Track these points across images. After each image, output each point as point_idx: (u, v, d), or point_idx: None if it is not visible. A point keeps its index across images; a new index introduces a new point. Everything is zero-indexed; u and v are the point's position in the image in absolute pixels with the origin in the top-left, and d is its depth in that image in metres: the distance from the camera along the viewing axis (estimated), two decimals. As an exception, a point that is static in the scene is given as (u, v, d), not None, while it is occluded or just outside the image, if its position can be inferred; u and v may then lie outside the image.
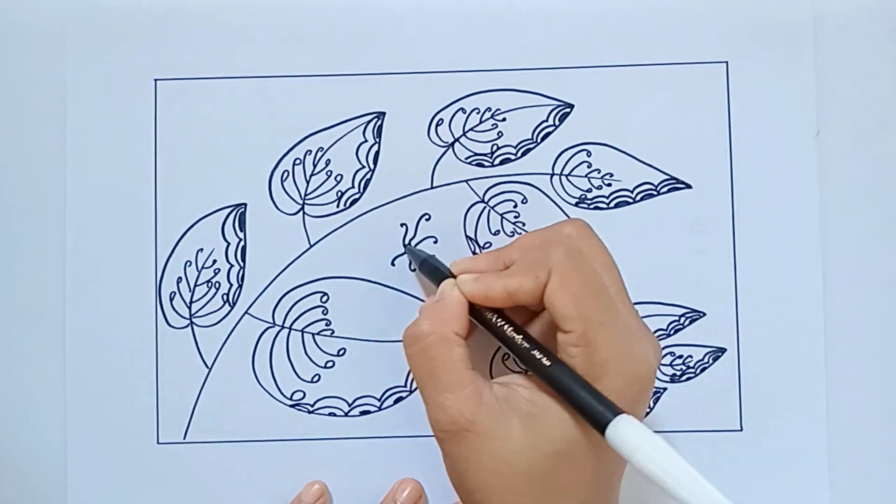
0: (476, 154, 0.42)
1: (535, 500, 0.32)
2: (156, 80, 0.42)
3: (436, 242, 0.42)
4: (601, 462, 0.32)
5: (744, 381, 0.41)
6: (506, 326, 0.34)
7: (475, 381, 0.33)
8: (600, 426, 0.30)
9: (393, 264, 0.41)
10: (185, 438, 0.41)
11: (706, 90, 0.41)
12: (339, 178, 0.42)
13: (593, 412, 0.31)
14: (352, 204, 0.42)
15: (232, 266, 0.41)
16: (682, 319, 0.41)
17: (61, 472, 0.41)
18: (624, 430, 0.30)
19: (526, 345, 0.33)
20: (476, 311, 0.35)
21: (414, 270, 0.41)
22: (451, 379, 0.33)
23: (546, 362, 0.32)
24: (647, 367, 0.33)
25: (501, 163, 0.42)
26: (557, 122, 0.42)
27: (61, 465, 0.41)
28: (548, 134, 0.42)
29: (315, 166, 0.42)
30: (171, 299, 0.41)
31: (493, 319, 0.34)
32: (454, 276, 0.36)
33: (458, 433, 0.32)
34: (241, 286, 0.41)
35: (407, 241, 0.41)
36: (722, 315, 0.41)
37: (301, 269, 0.41)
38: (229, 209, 0.42)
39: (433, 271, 0.38)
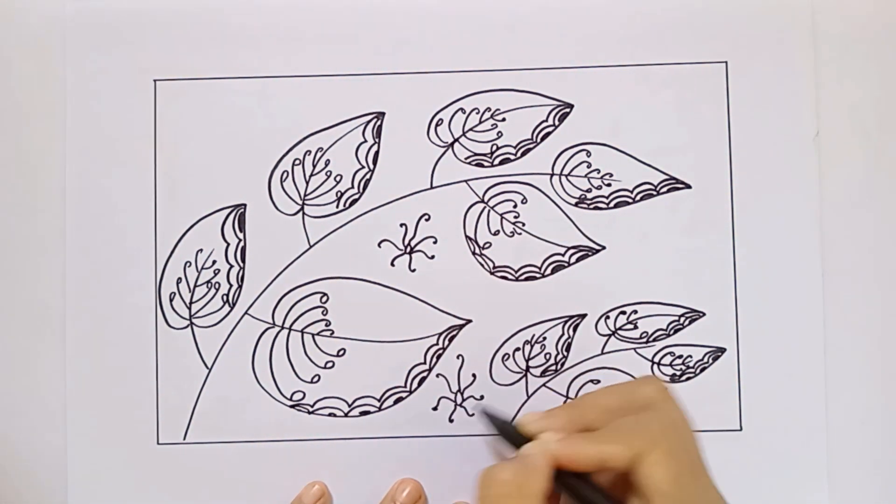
0: (476, 154, 0.42)
1: None
2: (155, 80, 0.42)
3: (435, 243, 0.42)
4: None
5: (744, 381, 0.41)
6: (596, 494, 0.33)
7: None
8: None
9: (393, 264, 0.41)
10: (185, 439, 0.41)
11: (706, 90, 0.41)
12: (338, 179, 0.42)
13: None
14: (351, 204, 0.42)
15: (232, 266, 0.41)
16: (682, 319, 0.41)
17: (62, 473, 0.41)
18: None
19: None
20: (562, 476, 0.33)
21: (472, 415, 0.41)
22: None
23: None
24: None
25: (501, 163, 0.42)
26: (557, 122, 0.42)
27: (62, 466, 0.41)
28: (547, 134, 0.42)
29: (315, 167, 0.42)
30: (171, 300, 0.41)
31: (581, 486, 0.33)
32: (529, 440, 0.34)
33: None
34: (240, 287, 0.41)
35: (484, 409, 0.39)
36: (722, 315, 0.41)
37: (301, 269, 0.41)
38: (229, 209, 0.42)
39: (512, 439, 0.36)
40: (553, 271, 0.41)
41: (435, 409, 0.41)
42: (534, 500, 0.32)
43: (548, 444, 0.33)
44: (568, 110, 0.42)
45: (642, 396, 0.33)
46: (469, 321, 0.41)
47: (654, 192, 0.41)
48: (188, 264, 0.41)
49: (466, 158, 0.42)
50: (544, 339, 0.41)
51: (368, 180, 0.42)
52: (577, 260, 0.41)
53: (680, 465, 0.31)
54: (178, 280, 0.41)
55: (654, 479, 0.31)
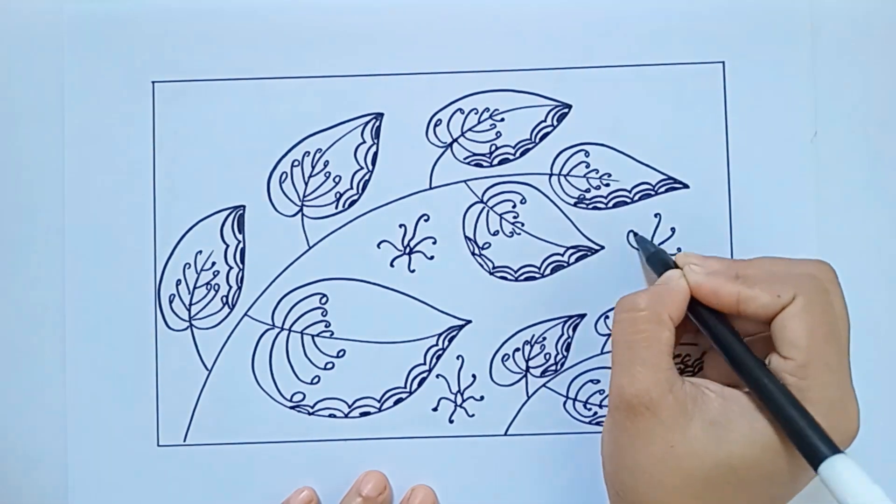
0: (474, 154, 0.42)
1: (684, 503, 0.32)
2: (153, 82, 0.42)
3: (434, 243, 0.42)
4: (773, 489, 0.32)
5: (742, 379, 0.41)
6: (726, 330, 0.33)
7: (671, 370, 0.33)
8: (815, 460, 0.30)
9: (392, 265, 0.42)
10: (185, 441, 0.41)
11: (703, 90, 0.42)
12: (337, 180, 0.42)
13: (811, 443, 0.30)
14: (350, 205, 0.42)
15: (231, 268, 0.41)
16: (681, 319, 0.42)
17: (62, 475, 0.41)
18: (842, 470, 0.29)
19: (747, 355, 0.33)
20: (697, 310, 0.34)
21: (636, 248, 0.41)
22: (650, 356, 0.33)
23: (766, 378, 0.32)
24: (849, 430, 0.32)
25: (500, 163, 0.42)
26: (555, 123, 0.42)
27: (62, 468, 0.41)
28: (546, 134, 0.42)
29: (314, 168, 0.42)
30: (171, 302, 0.41)
31: (713, 321, 0.34)
32: (679, 268, 0.36)
33: (637, 409, 0.32)
34: (240, 288, 0.41)
35: (636, 233, 0.41)
36: (720, 314, 0.41)
37: (300, 270, 0.41)
38: (228, 211, 0.42)
39: (660, 264, 0.37)
40: (552, 271, 0.41)
41: (435, 409, 0.41)
42: (665, 326, 0.33)
43: (690, 274, 0.34)
44: (566, 110, 0.42)
45: (808, 268, 0.34)
46: (469, 321, 0.41)
47: (653, 192, 0.42)
48: (187, 266, 0.41)
49: (465, 159, 0.42)
50: (544, 339, 0.41)
51: (367, 181, 0.42)
52: (577, 260, 0.41)
53: (816, 320, 0.32)
54: (178, 282, 0.41)
55: (788, 328, 0.32)
